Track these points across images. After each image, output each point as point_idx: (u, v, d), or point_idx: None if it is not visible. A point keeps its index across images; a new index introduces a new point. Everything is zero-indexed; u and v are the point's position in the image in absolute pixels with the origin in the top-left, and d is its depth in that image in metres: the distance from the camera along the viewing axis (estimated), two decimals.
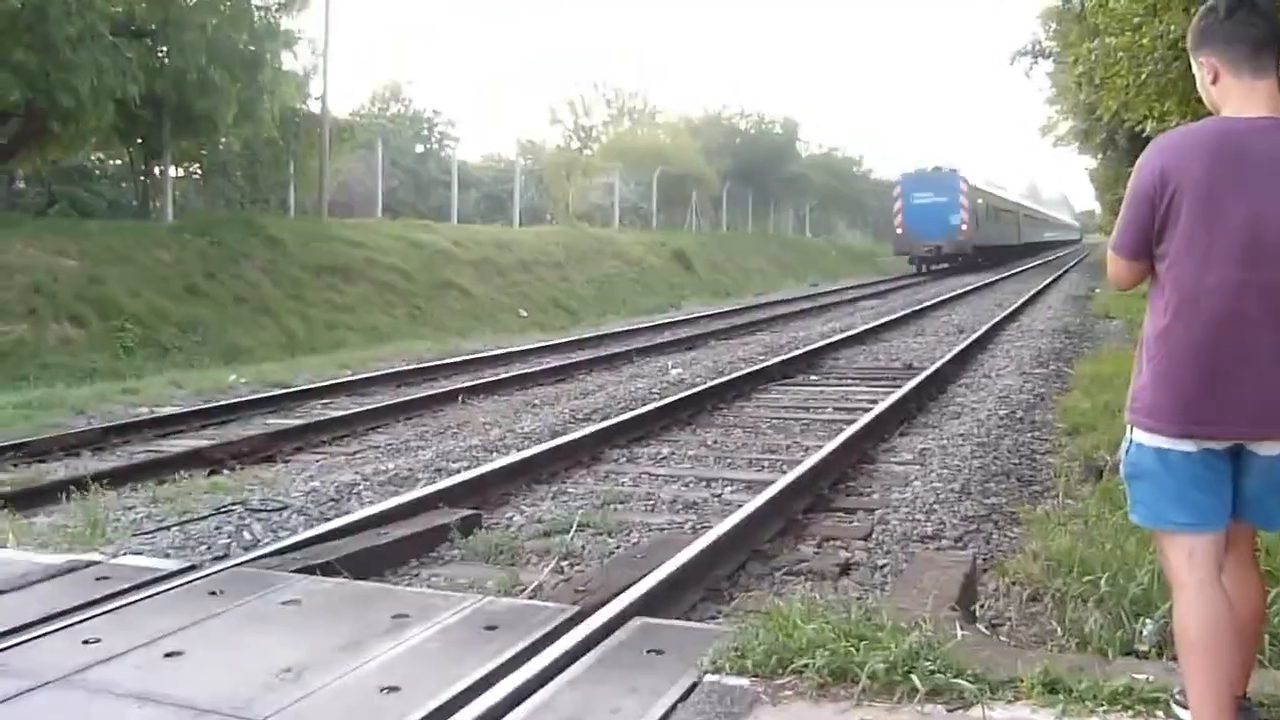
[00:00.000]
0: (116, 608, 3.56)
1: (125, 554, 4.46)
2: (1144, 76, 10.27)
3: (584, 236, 29.40)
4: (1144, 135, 14.63)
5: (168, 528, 5.19)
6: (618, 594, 3.71)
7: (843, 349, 13.33)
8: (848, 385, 10.34)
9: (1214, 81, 2.38)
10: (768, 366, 10.91)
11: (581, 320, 21.62)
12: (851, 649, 2.90)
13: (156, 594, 3.70)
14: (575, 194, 36.61)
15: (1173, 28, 8.90)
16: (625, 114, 52.67)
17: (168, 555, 4.64)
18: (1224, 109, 2.37)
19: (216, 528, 5.18)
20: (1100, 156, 31.72)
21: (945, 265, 34.67)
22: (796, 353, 12.16)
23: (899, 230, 35.17)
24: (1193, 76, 2.48)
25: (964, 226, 33.36)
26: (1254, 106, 2.31)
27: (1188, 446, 2.33)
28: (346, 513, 5.39)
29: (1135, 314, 14.98)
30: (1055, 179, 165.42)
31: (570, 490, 6.14)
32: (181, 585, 3.80)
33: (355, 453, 7.61)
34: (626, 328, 17.68)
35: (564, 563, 4.74)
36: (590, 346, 14.87)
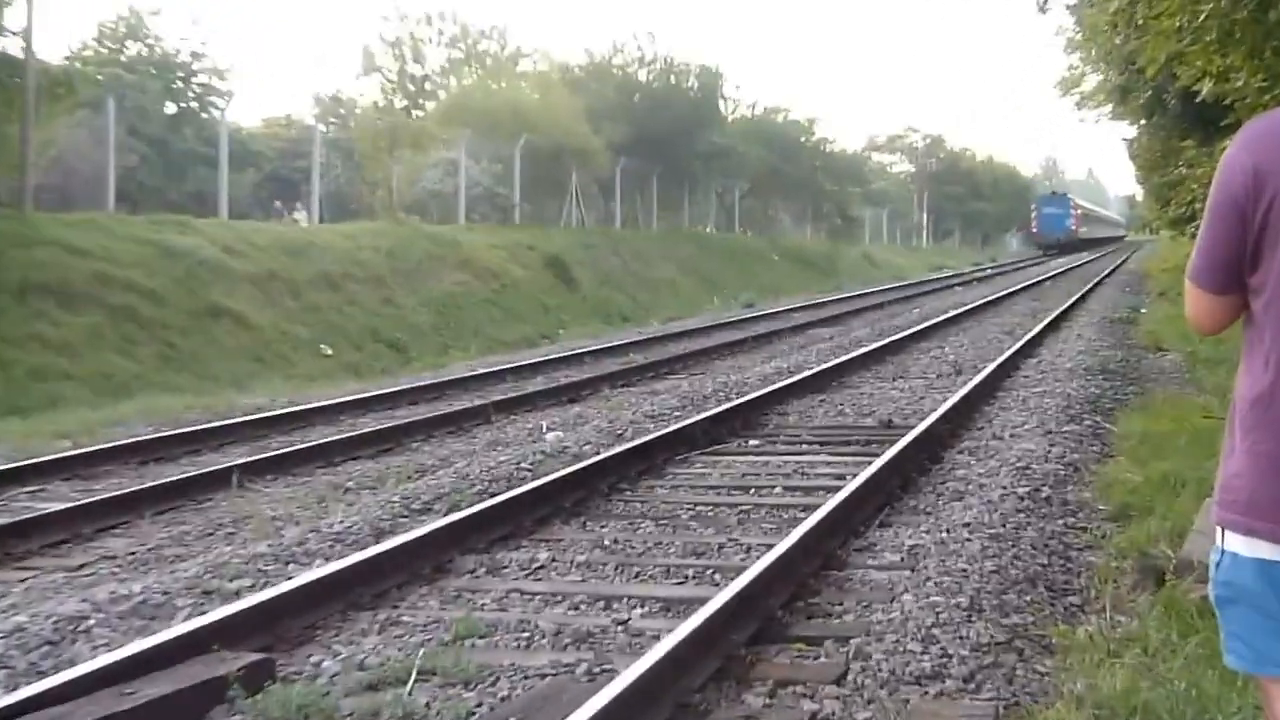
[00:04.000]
0: None
1: None
2: (1203, 17, 10.62)
3: (416, 237, 29.29)
4: (1199, 97, 15.17)
5: None
6: None
7: (793, 399, 13.46)
8: (803, 454, 10.43)
9: None
10: (688, 427, 10.95)
11: (415, 361, 21.53)
12: None
13: None
14: (403, 176, 36.34)
15: None
16: (474, 60, 52.74)
17: None
18: None
19: None
20: (1142, 123, 32.71)
21: (1056, 251, 76.80)
22: (728, 406, 12.24)
23: (1034, 230, 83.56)
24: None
25: (1074, 227, 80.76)
26: None
27: None
28: (71, 662, 5.23)
29: (1197, 344, 15.49)
30: (1080, 151, 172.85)
31: (406, 619, 6.12)
32: None
33: (81, 567, 7.42)
34: (481, 370, 17.64)
35: None
36: (429, 399, 14.90)
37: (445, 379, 16.72)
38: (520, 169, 38.07)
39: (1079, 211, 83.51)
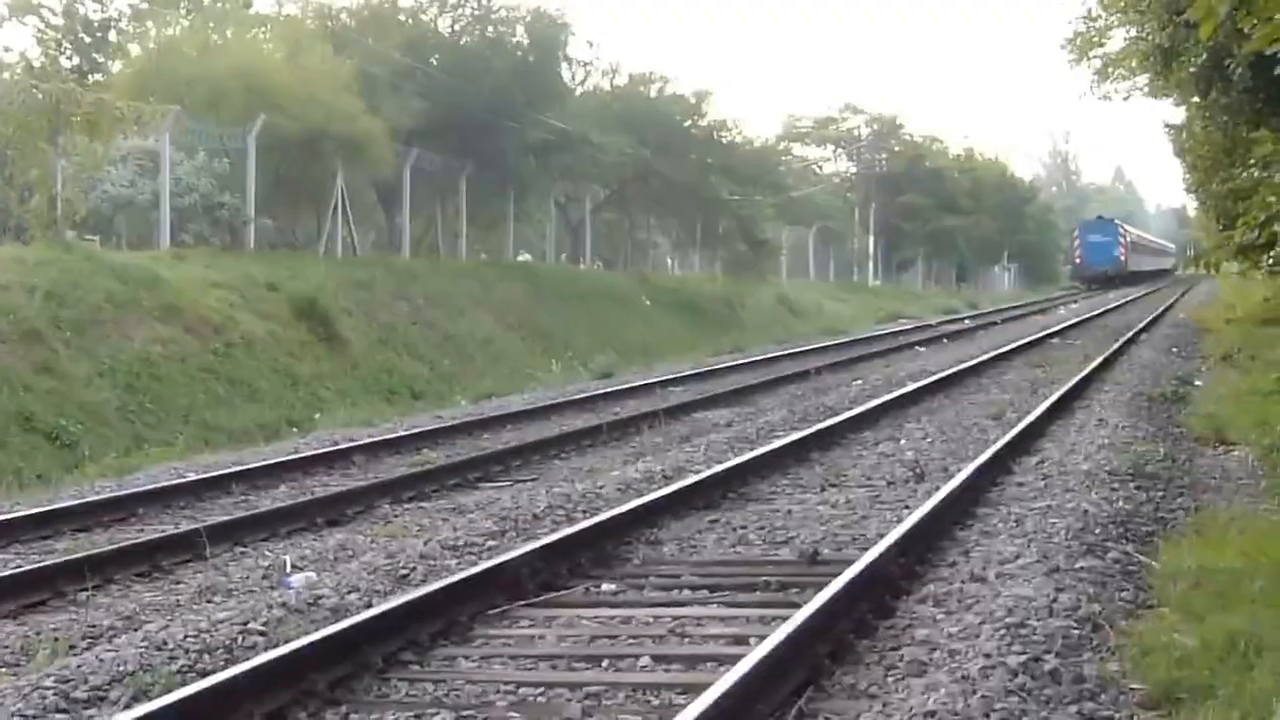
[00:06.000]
0: None
1: None
2: None
3: (94, 272, 29.55)
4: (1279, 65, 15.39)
5: None
6: None
7: (670, 520, 13.63)
8: (683, 604, 10.67)
9: None
10: (509, 564, 11.06)
11: (88, 462, 21.50)
12: None
13: None
14: (73, 176, 35.62)
15: None
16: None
17: None
18: None
19: None
20: (1195, 102, 33.33)
21: (1100, 287, 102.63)
22: (570, 531, 12.43)
23: (1078, 260, 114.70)
24: None
25: (1122, 258, 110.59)
26: None
27: None
28: None
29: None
30: (1104, 143, 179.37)
31: None
32: None
33: None
34: (193, 476, 17.79)
35: None
36: (108, 523, 15.03)
37: (135, 490, 16.73)
38: (256, 167, 37.73)
39: (1128, 239, 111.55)
